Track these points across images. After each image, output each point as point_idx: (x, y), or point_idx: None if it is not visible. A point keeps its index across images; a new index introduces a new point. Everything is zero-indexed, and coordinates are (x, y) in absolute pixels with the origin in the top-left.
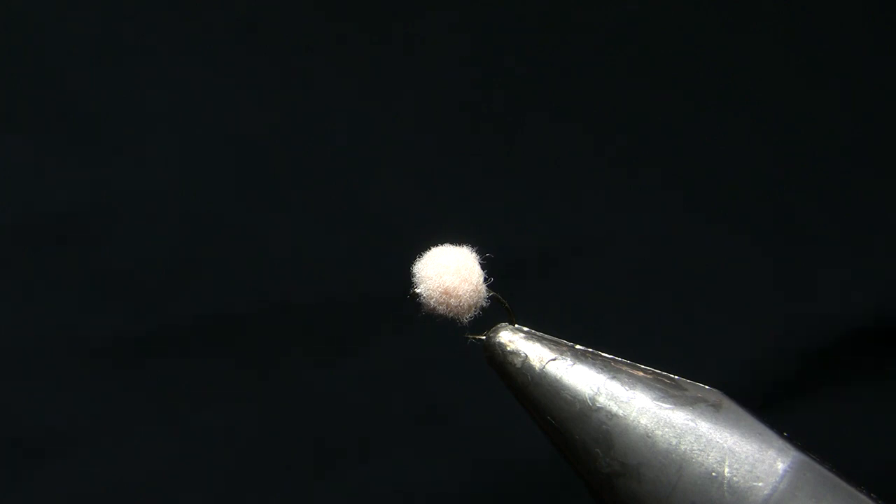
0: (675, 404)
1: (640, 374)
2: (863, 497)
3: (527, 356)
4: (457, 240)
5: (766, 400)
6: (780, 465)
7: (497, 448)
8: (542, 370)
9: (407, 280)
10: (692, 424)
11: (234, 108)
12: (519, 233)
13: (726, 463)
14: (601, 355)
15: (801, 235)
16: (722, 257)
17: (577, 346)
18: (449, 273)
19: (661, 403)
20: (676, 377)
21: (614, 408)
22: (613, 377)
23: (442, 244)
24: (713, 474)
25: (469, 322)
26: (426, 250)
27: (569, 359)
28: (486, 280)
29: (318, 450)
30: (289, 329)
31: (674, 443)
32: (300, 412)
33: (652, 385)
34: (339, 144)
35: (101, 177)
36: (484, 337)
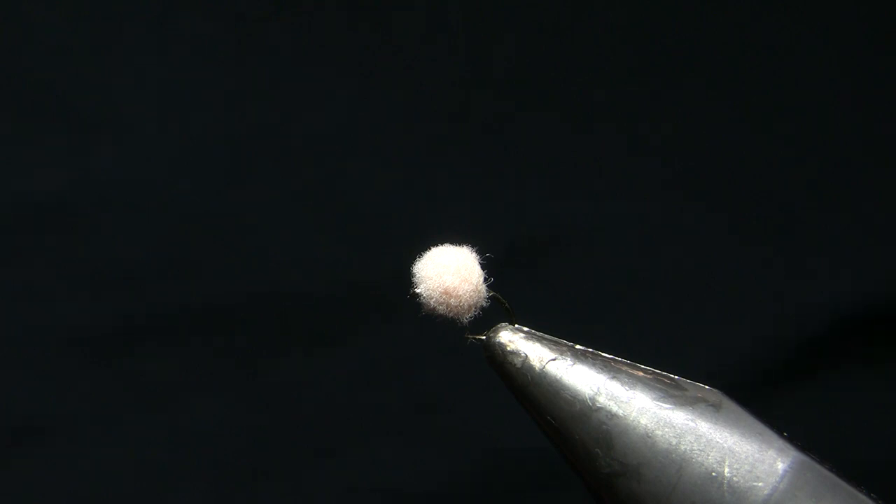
0: (675, 404)
1: (640, 374)
2: (863, 497)
3: (527, 356)
4: (457, 240)
5: (760, 390)
6: (780, 465)
7: (491, 442)
8: (542, 370)
9: (407, 280)
10: (692, 424)
11: (228, 100)
12: (519, 234)
13: (726, 463)
14: (601, 355)
15: (795, 224)
16: (716, 248)
17: (577, 346)
18: (449, 273)
19: (661, 403)
20: (676, 377)
21: (614, 408)
22: (613, 377)
23: (442, 244)
24: (713, 474)
25: (469, 322)
26: (426, 250)
27: (569, 359)
28: (486, 280)
29: (310, 443)
30: (281, 322)
31: (674, 443)
32: (292, 405)
33: (652, 385)
34: (340, 144)
35: (92, 167)
36: (484, 337)
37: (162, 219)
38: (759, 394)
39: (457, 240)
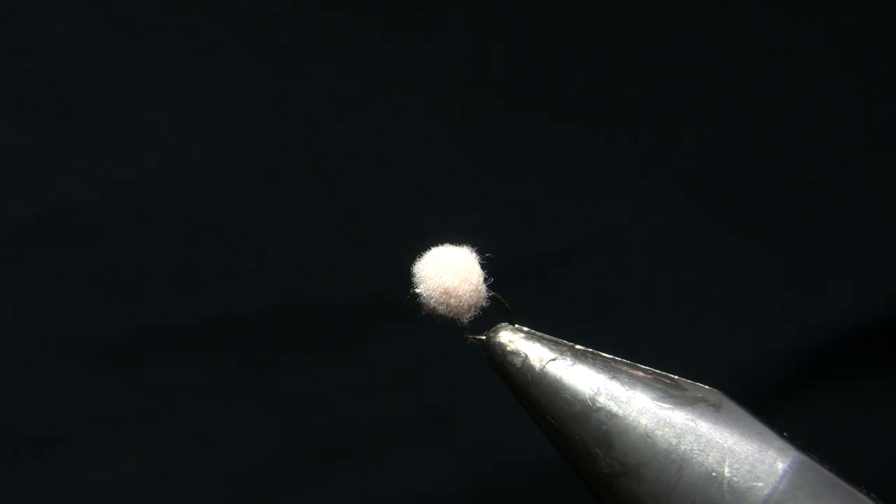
0: (675, 404)
1: (640, 374)
2: (863, 497)
3: (527, 356)
4: (457, 240)
5: (768, 401)
6: (780, 465)
7: (497, 448)
8: (542, 370)
9: (407, 280)
10: (692, 424)
11: (237, 109)
12: (519, 234)
13: (726, 463)
14: (601, 355)
15: (805, 236)
16: (724, 258)
17: (577, 346)
18: (449, 273)
19: (661, 403)
20: (676, 377)
21: (614, 408)
22: (613, 377)
23: (442, 244)
24: (713, 474)
25: (469, 322)
26: (426, 250)
27: (569, 359)
28: (486, 280)
29: (318, 450)
30: (289, 329)
31: (674, 443)
32: (301, 412)
33: (652, 385)
34: (340, 144)
35: (104, 177)
36: (484, 337)
37: (175, 230)
38: (767, 406)
39: (457, 240)
